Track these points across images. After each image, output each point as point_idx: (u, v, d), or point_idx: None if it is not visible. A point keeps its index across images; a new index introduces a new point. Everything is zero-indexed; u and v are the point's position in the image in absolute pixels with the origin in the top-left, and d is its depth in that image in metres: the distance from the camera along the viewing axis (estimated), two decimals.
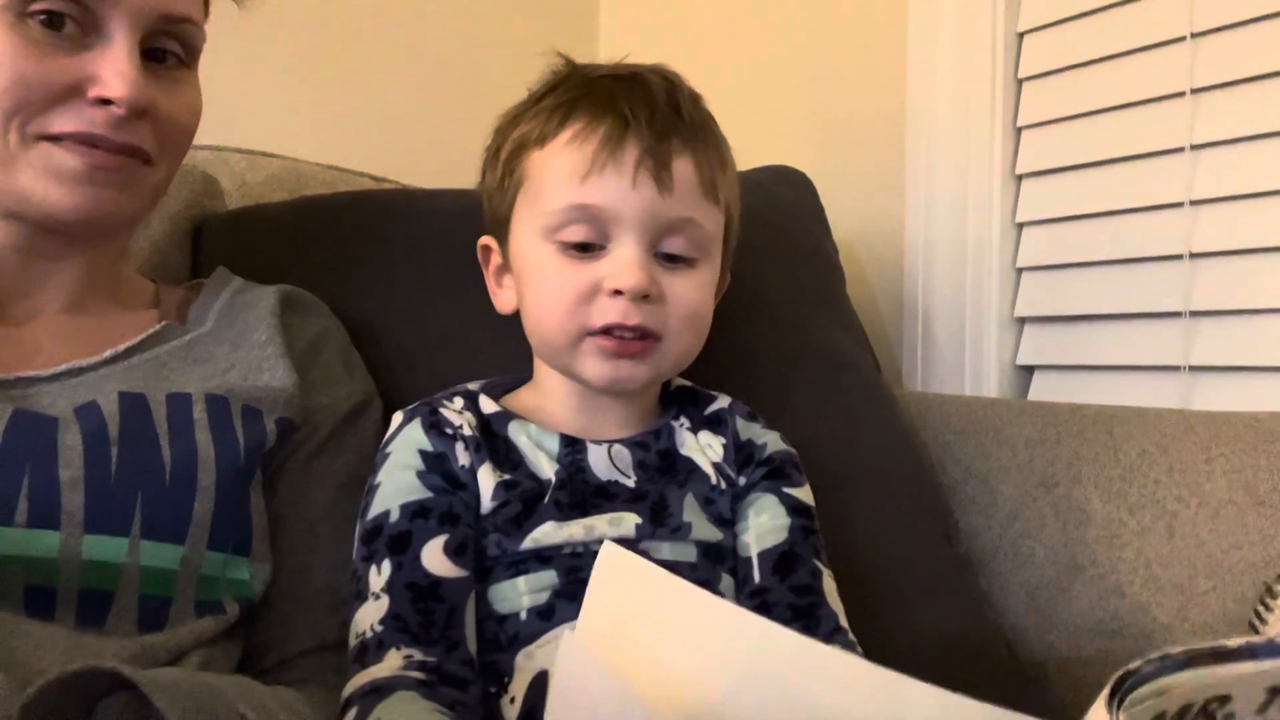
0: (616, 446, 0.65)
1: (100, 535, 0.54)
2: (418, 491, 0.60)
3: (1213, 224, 0.84)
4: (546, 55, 0.68)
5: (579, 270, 0.61)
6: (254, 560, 0.60)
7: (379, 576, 0.58)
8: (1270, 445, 0.73)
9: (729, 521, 0.65)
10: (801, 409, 0.81)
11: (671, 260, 0.63)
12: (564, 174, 0.61)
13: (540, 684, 0.57)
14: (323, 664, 0.60)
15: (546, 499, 0.61)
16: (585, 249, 0.62)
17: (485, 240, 0.70)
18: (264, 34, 1.09)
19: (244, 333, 0.66)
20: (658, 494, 0.63)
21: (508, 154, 0.66)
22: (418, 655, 0.55)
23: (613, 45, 1.30)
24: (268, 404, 0.63)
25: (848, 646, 0.61)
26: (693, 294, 0.63)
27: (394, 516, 0.60)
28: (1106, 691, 0.29)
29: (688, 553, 0.62)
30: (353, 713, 0.53)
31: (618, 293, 0.61)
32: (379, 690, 0.54)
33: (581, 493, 0.62)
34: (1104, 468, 0.79)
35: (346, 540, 0.62)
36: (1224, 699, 0.30)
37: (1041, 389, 0.98)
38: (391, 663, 0.55)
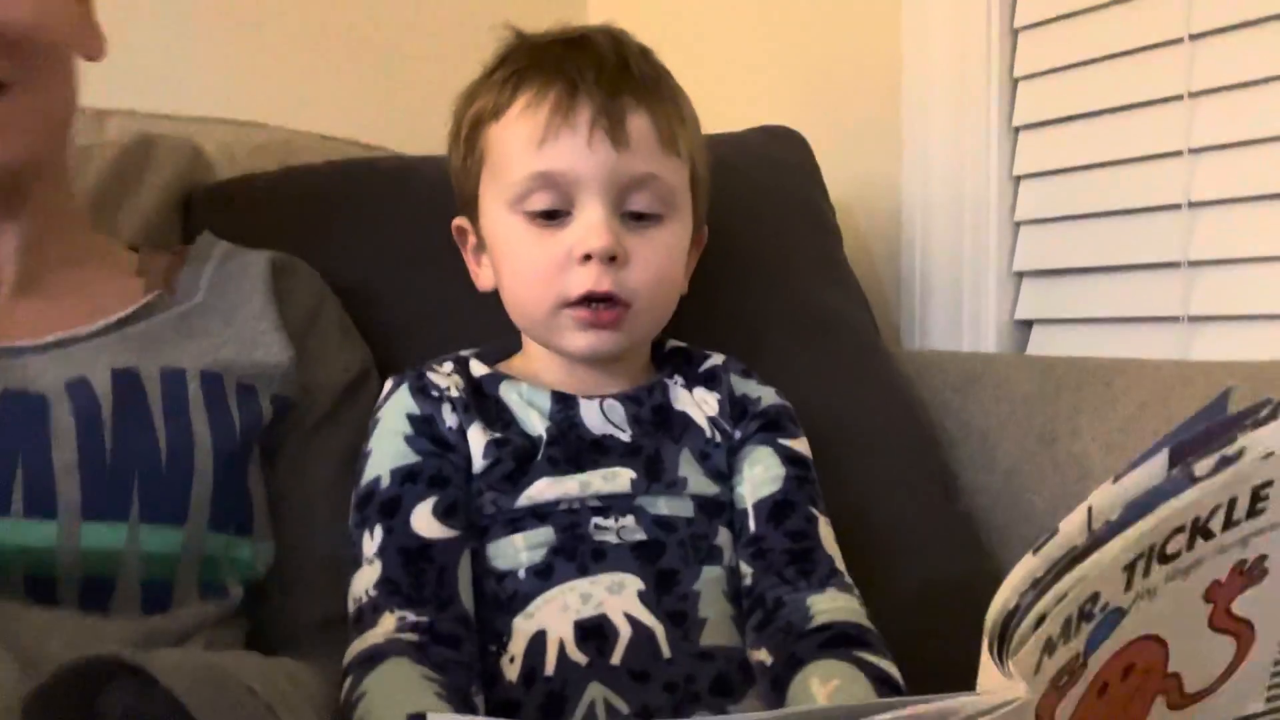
0: (609, 401, 0.65)
1: (98, 522, 0.53)
2: (406, 456, 0.61)
3: (1211, 172, 0.83)
4: (497, 28, 0.68)
5: (548, 240, 0.62)
6: (256, 539, 0.60)
7: (371, 542, 0.59)
8: (1270, 391, 0.72)
9: (725, 475, 0.65)
10: (799, 370, 0.80)
11: (639, 219, 0.63)
12: (520, 143, 0.62)
13: (539, 643, 0.57)
14: (329, 638, 0.60)
15: (540, 455, 0.62)
16: (552, 216, 0.62)
17: (459, 221, 0.70)
18: (250, 1, 1.07)
19: (237, 305, 0.65)
20: (653, 449, 0.64)
21: (466, 131, 0.66)
22: (410, 616, 0.56)
23: (603, 7, 1.28)
24: (263, 381, 0.62)
25: (843, 589, 0.61)
26: (660, 254, 0.63)
27: (384, 482, 0.60)
28: (987, 645, 0.30)
29: (684, 507, 0.62)
30: (348, 682, 0.54)
31: (587, 258, 0.60)
32: (371, 659, 0.54)
33: (576, 448, 0.63)
34: (1103, 420, 0.79)
35: (347, 515, 0.62)
36: (1094, 597, 0.31)
37: (1040, 343, 0.97)
38: (385, 626, 0.56)
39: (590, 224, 0.61)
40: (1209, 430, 0.35)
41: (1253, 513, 0.35)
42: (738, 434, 0.66)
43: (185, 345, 0.61)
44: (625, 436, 0.64)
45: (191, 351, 0.61)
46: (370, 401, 0.68)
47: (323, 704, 0.51)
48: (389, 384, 0.65)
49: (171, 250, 0.71)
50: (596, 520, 0.60)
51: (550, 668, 0.57)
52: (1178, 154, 0.84)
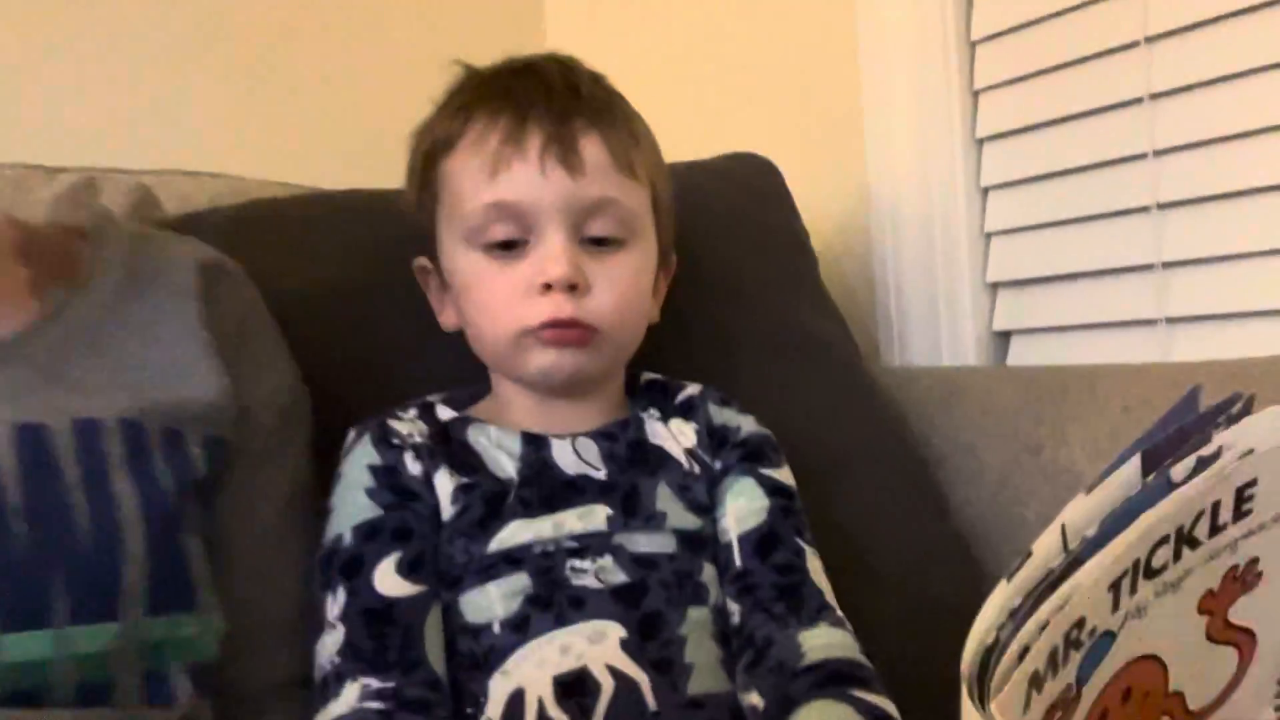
0: (582, 439, 0.63)
1: (20, 633, 0.46)
2: (369, 510, 0.59)
3: (1177, 173, 0.83)
4: (452, 65, 0.67)
5: (507, 272, 0.61)
6: (200, 613, 0.53)
7: (335, 605, 0.56)
8: (1253, 389, 0.71)
9: (707, 508, 0.63)
10: (782, 394, 0.79)
11: (600, 244, 0.61)
12: (473, 175, 0.61)
13: (517, 704, 0.55)
14: (289, 697, 0.57)
15: (511, 498, 0.60)
16: (510, 246, 0.61)
17: (421, 261, 0.68)
18: (205, 49, 1.07)
19: (156, 319, 0.56)
20: (629, 484, 0.62)
21: (420, 167, 0.65)
22: (375, 683, 0.53)
23: (560, 40, 1.28)
24: (191, 423, 0.54)
25: (835, 623, 0.59)
26: (623, 279, 0.62)
27: (346, 540, 0.58)
28: (966, 688, 0.28)
29: (666, 543, 0.60)
30: None
31: (547, 287, 0.59)
32: None
33: (549, 489, 0.61)
34: (1089, 427, 0.78)
35: (299, 559, 0.59)
36: (1079, 623, 0.29)
37: (1020, 353, 0.96)
38: (349, 696, 0.53)
39: (549, 253, 0.59)
40: (1182, 431, 0.33)
41: (1239, 515, 0.33)
42: (718, 465, 0.65)
43: (95, 371, 0.53)
44: (600, 475, 0.62)
45: (106, 380, 0.53)
46: (310, 420, 0.64)
47: None
48: (351, 434, 0.63)
49: (63, 227, 0.60)
50: (573, 563, 0.58)
51: None
52: (1142, 157, 0.84)
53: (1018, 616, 0.29)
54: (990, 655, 0.28)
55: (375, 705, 0.53)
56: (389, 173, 0.75)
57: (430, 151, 0.64)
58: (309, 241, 0.79)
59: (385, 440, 0.61)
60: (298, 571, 0.59)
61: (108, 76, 1.00)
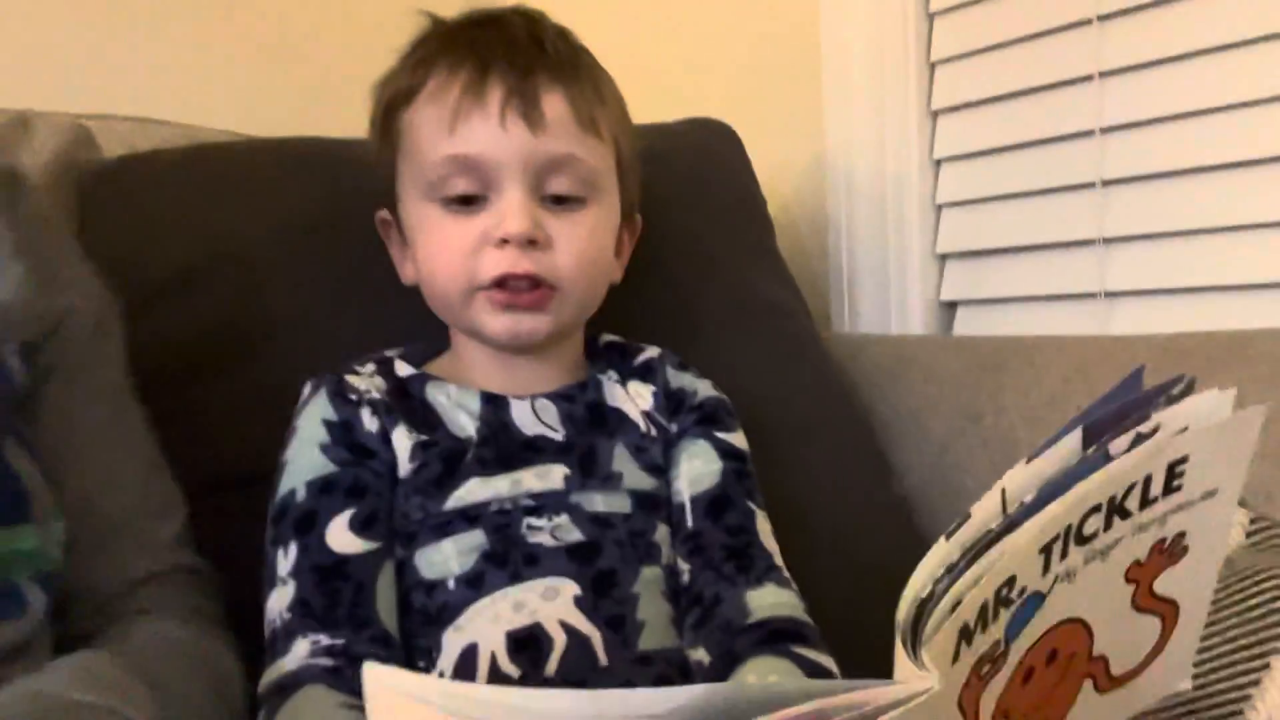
0: (541, 400, 0.63)
1: None
2: (323, 466, 0.58)
3: (1122, 151, 0.85)
4: (412, 15, 0.66)
5: (464, 224, 0.60)
6: (40, 521, 0.50)
7: (286, 560, 0.56)
8: (1185, 363, 0.74)
9: (662, 470, 0.64)
10: (736, 359, 0.80)
11: (560, 202, 0.61)
12: (432, 127, 0.60)
13: (470, 658, 0.55)
14: (148, 593, 0.55)
15: (469, 457, 0.60)
16: (469, 201, 0.60)
17: (382, 214, 0.67)
18: None
19: None
20: (586, 445, 0.62)
21: (381, 118, 0.64)
22: (324, 640, 0.54)
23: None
24: (1, 330, 0.51)
25: (782, 584, 0.61)
26: (584, 236, 0.61)
27: (300, 495, 0.58)
28: (900, 636, 0.29)
29: (621, 503, 0.61)
30: (261, 716, 0.52)
31: (504, 241, 0.59)
32: (284, 688, 0.52)
33: (507, 449, 0.61)
34: (1028, 397, 0.80)
35: (134, 457, 0.57)
36: (1010, 581, 0.31)
37: (965, 323, 0.99)
38: (298, 651, 0.53)
39: (507, 207, 0.59)
40: (1123, 408, 0.34)
41: (1169, 490, 0.34)
42: (674, 427, 0.65)
43: None
44: (558, 436, 0.62)
45: None
46: (122, 333, 0.61)
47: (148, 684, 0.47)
48: (307, 388, 0.62)
49: None
50: (530, 521, 0.58)
51: (482, 683, 0.55)
52: (1089, 134, 0.86)
53: (954, 572, 0.30)
54: (925, 606, 0.30)
55: (325, 661, 0.53)
56: (341, 124, 0.73)
57: (391, 102, 0.63)
58: (258, 188, 0.77)
59: (341, 395, 0.60)
60: (135, 470, 0.58)
61: (51, 17, 0.96)
